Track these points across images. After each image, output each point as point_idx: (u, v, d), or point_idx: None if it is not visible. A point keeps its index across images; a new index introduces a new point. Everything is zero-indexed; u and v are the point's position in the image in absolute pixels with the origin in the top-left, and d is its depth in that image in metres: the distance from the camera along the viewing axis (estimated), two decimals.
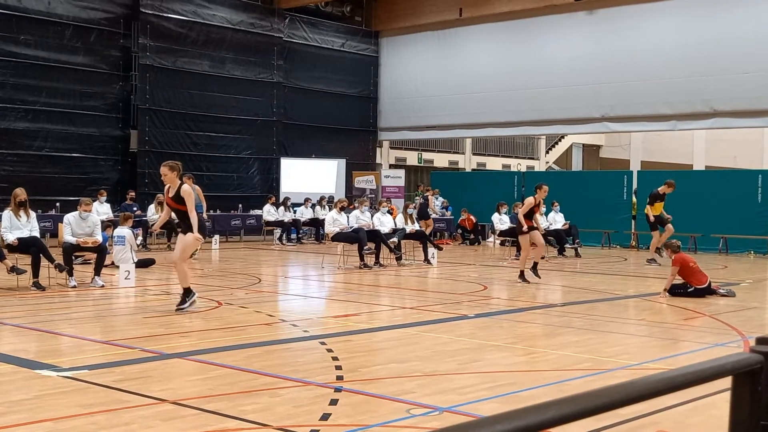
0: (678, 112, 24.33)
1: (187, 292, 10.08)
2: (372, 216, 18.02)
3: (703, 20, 23.69)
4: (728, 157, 33.51)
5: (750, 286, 14.46)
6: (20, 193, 12.34)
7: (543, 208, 17.77)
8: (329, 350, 7.65)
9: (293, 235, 24.21)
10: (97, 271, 12.60)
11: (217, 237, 21.84)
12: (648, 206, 18.06)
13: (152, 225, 19.71)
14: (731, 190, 22.77)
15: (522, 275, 14.12)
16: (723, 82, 23.12)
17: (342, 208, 17.28)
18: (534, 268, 14.26)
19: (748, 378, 2.19)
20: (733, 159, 33.17)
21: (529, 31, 27.23)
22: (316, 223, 24.35)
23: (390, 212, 19.04)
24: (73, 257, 13.01)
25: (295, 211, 24.54)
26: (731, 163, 32.77)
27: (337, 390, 6.04)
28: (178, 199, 9.99)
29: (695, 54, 23.56)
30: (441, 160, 36.68)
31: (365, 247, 16.60)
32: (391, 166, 32.66)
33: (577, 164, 43.41)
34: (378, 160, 32.01)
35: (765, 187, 22.37)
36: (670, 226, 17.80)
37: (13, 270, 11.87)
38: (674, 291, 12.26)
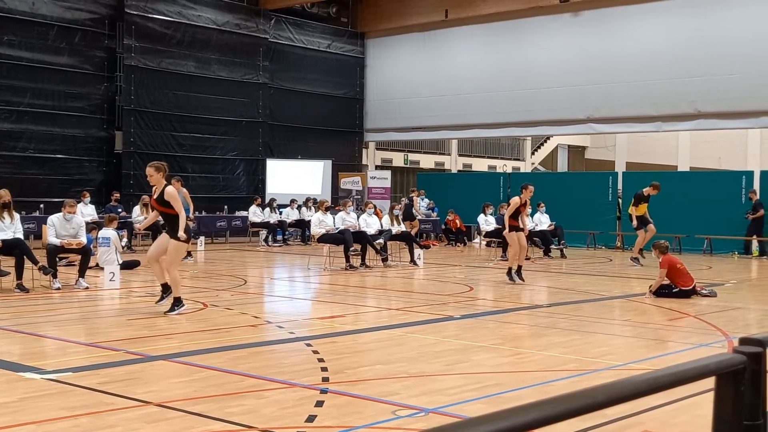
0: (663, 113, 24.45)
1: (177, 301, 10.02)
2: (358, 217, 18.02)
3: (687, 22, 23.81)
4: (713, 158, 33.69)
5: (734, 286, 14.56)
6: (4, 194, 12.26)
7: (529, 209, 17.81)
8: (315, 352, 7.64)
9: (279, 237, 24.18)
10: (82, 273, 12.53)
11: (202, 238, 21.78)
12: (632, 207, 18.20)
13: (137, 225, 19.68)
14: (716, 191, 22.92)
15: (510, 273, 14.16)
16: (707, 83, 23.25)
17: (327, 209, 17.26)
18: (518, 272, 14.30)
19: (732, 378, 2.21)
20: (718, 160, 33.36)
21: (515, 32, 27.30)
22: (302, 225, 24.34)
23: (374, 214, 19.04)
24: (58, 259, 12.95)
25: (280, 213, 24.51)
26: (716, 165, 32.95)
27: (323, 392, 6.04)
28: (163, 202, 9.96)
29: (680, 55, 23.68)
30: (427, 161, 36.72)
31: (351, 249, 16.59)
32: (377, 167, 32.65)
33: (562, 165, 43.53)
34: (364, 161, 32.00)
35: (749, 188, 22.52)
36: (651, 226, 17.94)
37: None
38: (659, 291, 12.32)
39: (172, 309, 9.95)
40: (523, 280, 14.27)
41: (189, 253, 17.75)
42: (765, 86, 22.28)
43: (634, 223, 18.06)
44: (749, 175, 22.99)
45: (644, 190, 18.02)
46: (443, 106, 28.71)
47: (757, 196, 22.10)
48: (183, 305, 10.04)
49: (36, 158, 22.85)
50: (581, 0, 25.36)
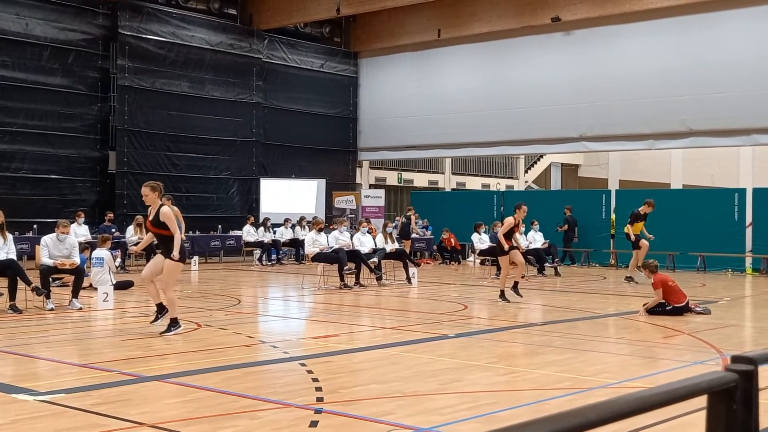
0: (655, 131, 24.56)
1: (174, 322, 9.97)
2: (352, 236, 18.02)
3: (679, 41, 23.97)
4: (705, 175, 33.80)
5: (728, 303, 14.57)
6: None
7: (522, 228, 17.83)
8: (309, 371, 7.62)
9: (273, 256, 24.15)
10: (75, 294, 12.49)
11: (196, 258, 21.74)
12: (628, 225, 18.20)
13: (131, 246, 19.61)
14: (708, 208, 22.99)
15: (502, 294, 14.16)
16: (699, 101, 23.39)
17: (320, 230, 17.23)
18: (515, 287, 14.30)
19: (724, 396, 2.21)
20: (710, 178, 33.46)
21: (507, 51, 27.44)
22: (296, 244, 24.31)
23: (369, 232, 19.04)
24: (51, 280, 12.90)
25: (274, 232, 24.49)
26: (708, 182, 33.04)
27: (318, 411, 6.02)
28: (158, 223, 9.93)
29: (672, 74, 23.82)
30: (421, 179, 36.77)
31: (345, 268, 16.58)
32: (371, 186, 32.69)
33: (555, 183, 43.62)
34: (358, 180, 32.04)
35: (741, 205, 22.61)
36: (644, 242, 17.93)
37: None
38: (652, 310, 12.32)
39: (168, 330, 9.92)
40: (521, 296, 14.26)
41: None
42: (756, 104, 22.43)
43: (632, 239, 18.07)
44: (742, 192, 23.08)
45: (640, 209, 18.03)
46: (436, 125, 28.80)
47: (570, 213, 24.35)
48: (179, 326, 10.02)
49: (29, 179, 22.82)
50: (573, 20, 25.51)
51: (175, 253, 9.91)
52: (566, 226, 24.32)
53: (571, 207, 24.64)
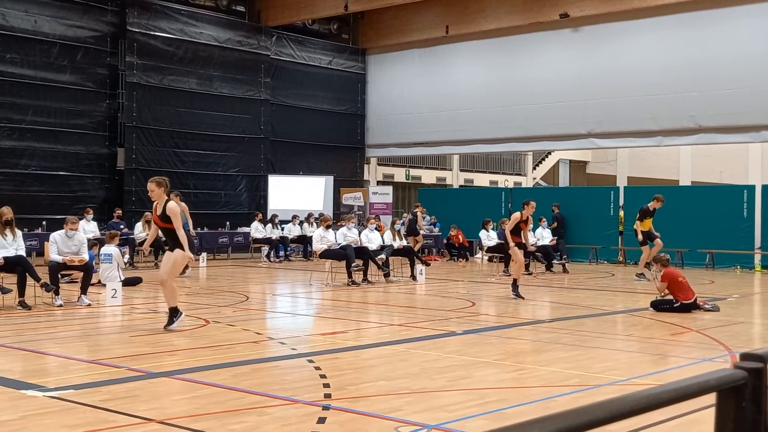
0: (664, 128, 24.49)
1: (174, 311, 10.02)
2: (360, 233, 18.03)
3: (688, 37, 23.88)
4: (714, 172, 33.71)
5: (737, 300, 14.53)
6: (6, 211, 12.26)
7: (531, 225, 17.79)
8: (317, 368, 7.63)
9: (281, 253, 24.17)
10: (84, 290, 12.53)
11: (204, 255, 21.78)
12: (637, 222, 18.14)
13: (139, 243, 19.67)
14: (717, 205, 22.92)
15: (515, 285, 14.01)
16: (708, 98, 23.30)
17: (328, 226, 17.23)
18: (514, 286, 14.16)
19: (733, 394, 2.20)
20: (719, 174, 33.37)
21: (516, 48, 27.39)
22: (304, 240, 24.33)
23: (378, 229, 19.04)
24: (60, 276, 12.94)
25: (282, 228, 24.51)
26: (717, 179, 32.96)
27: (325, 408, 6.03)
28: (165, 218, 9.96)
29: (681, 70, 23.73)
30: (428, 176, 36.76)
31: (353, 264, 16.59)
32: (378, 183, 32.69)
33: (564, 180, 43.56)
34: (366, 177, 32.05)
35: (750, 202, 22.53)
36: (658, 240, 17.87)
37: None
38: (661, 306, 12.30)
39: (170, 322, 9.94)
40: (522, 297, 14.16)
41: (186, 266, 17.72)
42: (765, 100, 22.34)
43: (640, 237, 18.01)
44: (750, 189, 23.00)
45: (649, 204, 17.97)
46: (444, 122, 28.78)
47: (558, 210, 24.57)
48: (181, 314, 10.04)
49: (38, 175, 22.89)
50: (581, 16, 25.44)
51: (188, 252, 9.95)
52: (555, 224, 24.22)
53: (559, 204, 24.71)
